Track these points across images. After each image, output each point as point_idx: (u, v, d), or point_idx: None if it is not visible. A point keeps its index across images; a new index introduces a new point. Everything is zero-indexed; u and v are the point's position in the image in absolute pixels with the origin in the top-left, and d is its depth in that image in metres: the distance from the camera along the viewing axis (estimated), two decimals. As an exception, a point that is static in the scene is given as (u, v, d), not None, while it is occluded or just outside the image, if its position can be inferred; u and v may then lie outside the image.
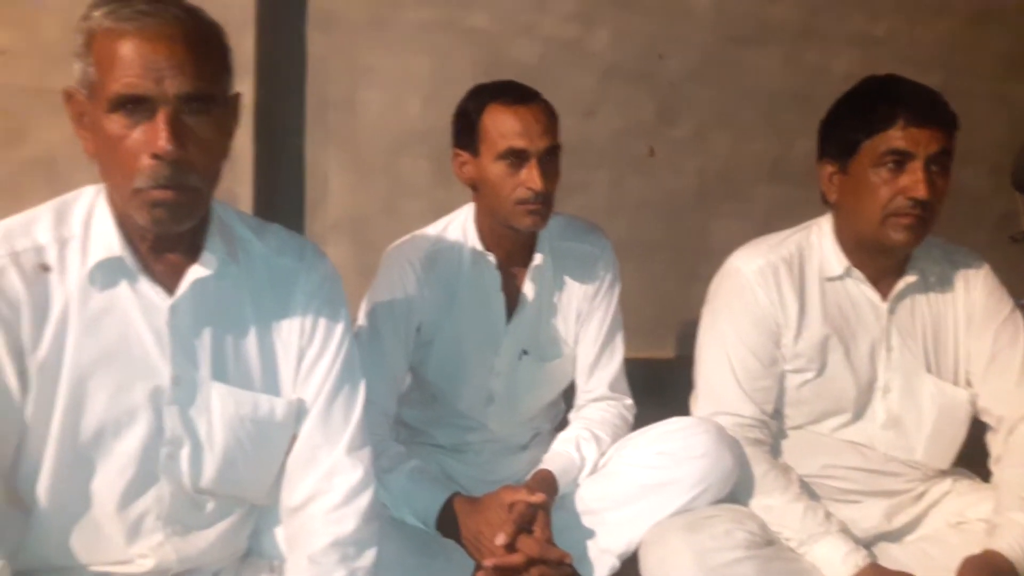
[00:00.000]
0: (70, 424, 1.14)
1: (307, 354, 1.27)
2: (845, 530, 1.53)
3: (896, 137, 1.49)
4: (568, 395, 1.88)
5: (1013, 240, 3.25)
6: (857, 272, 1.62)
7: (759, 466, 1.57)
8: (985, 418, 1.64)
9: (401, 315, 1.68)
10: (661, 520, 1.52)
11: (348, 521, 1.24)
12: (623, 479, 1.61)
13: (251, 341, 1.24)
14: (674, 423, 1.62)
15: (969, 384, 1.65)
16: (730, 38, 3.01)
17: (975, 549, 1.49)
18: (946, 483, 1.67)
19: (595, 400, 1.80)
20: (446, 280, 1.71)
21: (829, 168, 1.60)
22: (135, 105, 1.06)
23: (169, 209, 1.10)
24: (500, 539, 1.45)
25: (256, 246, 1.27)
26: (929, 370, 1.63)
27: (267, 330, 1.25)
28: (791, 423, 1.67)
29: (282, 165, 2.70)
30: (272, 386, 1.25)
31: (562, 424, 1.85)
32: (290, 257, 1.29)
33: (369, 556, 1.25)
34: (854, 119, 1.56)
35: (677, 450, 1.56)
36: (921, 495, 1.66)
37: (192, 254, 1.19)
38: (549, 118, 1.63)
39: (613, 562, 1.57)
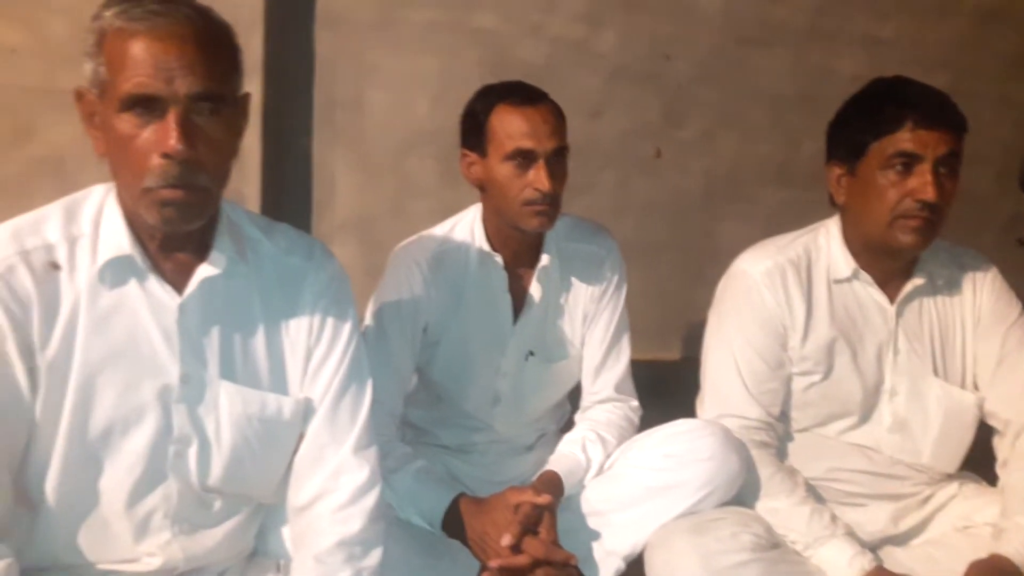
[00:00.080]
0: (79, 422, 1.15)
1: (315, 353, 1.27)
2: (851, 533, 1.52)
3: (904, 139, 1.49)
4: (574, 396, 1.88)
5: (1020, 243, 3.24)
6: (865, 274, 1.62)
7: (765, 469, 1.57)
8: (992, 422, 1.64)
9: (408, 315, 1.68)
10: (667, 522, 1.52)
11: (354, 520, 1.24)
12: (629, 481, 1.61)
13: (259, 340, 1.24)
14: (680, 425, 1.62)
15: (976, 388, 1.64)
16: (737, 39, 3.00)
17: (981, 553, 1.48)
18: (952, 487, 1.67)
19: (601, 402, 1.80)
20: (453, 280, 1.71)
21: (837, 170, 1.60)
22: (146, 105, 1.06)
23: (179, 208, 1.10)
24: (506, 540, 1.45)
25: (265, 245, 1.27)
26: (936, 373, 1.63)
27: (275, 329, 1.25)
28: (797, 426, 1.67)
29: (289, 165, 2.69)
30: (280, 385, 1.25)
31: (568, 425, 1.85)
32: (299, 256, 1.29)
33: (375, 556, 1.25)
34: (862, 121, 1.55)
35: (683, 452, 1.56)
36: (927, 499, 1.65)
37: (201, 253, 1.19)
38: (557, 119, 1.63)
39: (618, 564, 1.57)
